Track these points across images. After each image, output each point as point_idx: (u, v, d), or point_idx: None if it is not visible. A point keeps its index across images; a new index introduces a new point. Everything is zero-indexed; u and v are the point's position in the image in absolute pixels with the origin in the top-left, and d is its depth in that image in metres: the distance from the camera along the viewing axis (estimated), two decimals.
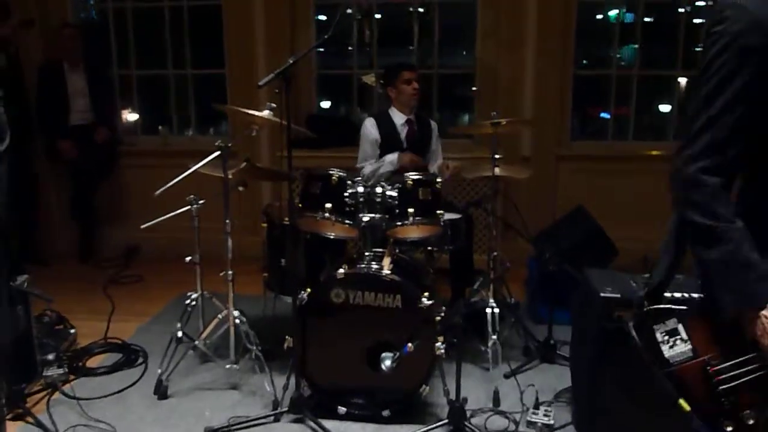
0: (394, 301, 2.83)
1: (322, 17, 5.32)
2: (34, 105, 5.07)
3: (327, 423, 2.83)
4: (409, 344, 2.58)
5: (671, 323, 1.58)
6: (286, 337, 2.93)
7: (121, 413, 2.99)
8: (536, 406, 2.85)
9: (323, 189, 3.03)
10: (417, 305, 2.81)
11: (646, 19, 5.12)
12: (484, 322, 3.38)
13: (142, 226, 3.23)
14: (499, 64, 4.96)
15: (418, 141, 4.01)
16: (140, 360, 3.50)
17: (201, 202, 3.26)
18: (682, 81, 5.21)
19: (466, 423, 2.74)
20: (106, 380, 3.29)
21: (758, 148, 1.50)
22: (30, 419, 2.88)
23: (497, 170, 3.49)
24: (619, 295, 2.46)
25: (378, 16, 5.22)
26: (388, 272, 2.88)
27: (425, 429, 2.78)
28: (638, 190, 4.85)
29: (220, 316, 3.24)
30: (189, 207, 3.26)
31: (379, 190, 3.07)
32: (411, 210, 3.00)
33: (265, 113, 3.04)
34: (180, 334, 3.23)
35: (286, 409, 2.91)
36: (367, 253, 3.05)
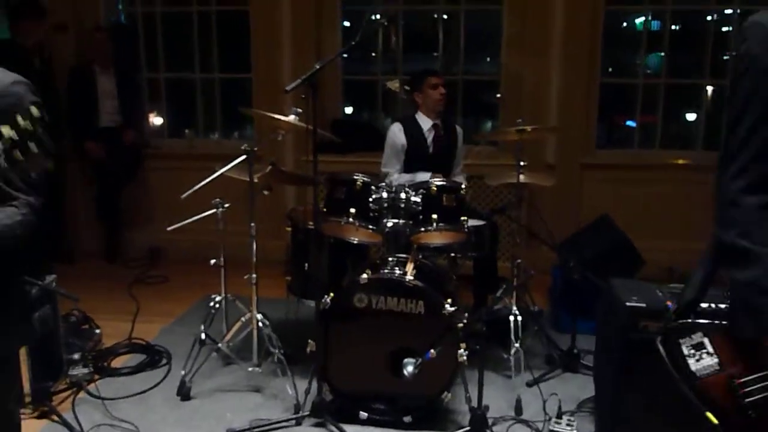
0: (417, 307, 2.82)
1: (347, 23, 5.35)
2: (65, 106, 5.15)
3: (348, 428, 2.83)
4: (432, 350, 2.58)
5: (697, 337, 1.58)
6: (309, 341, 2.94)
7: (144, 413, 3.01)
8: (559, 416, 2.83)
9: (348, 194, 3.04)
10: (440, 311, 2.80)
11: (673, 27, 5.08)
12: (507, 330, 3.35)
13: (168, 228, 3.28)
14: (525, 71, 4.94)
15: (444, 146, 4.01)
16: (164, 361, 3.53)
17: (226, 205, 3.29)
18: (710, 89, 5.16)
19: (487, 431, 2.73)
20: (130, 380, 3.33)
21: None
22: (55, 417, 2.93)
23: (522, 177, 3.47)
24: (644, 305, 2.44)
25: (402, 22, 5.24)
26: (411, 278, 2.87)
27: None
28: (663, 199, 4.81)
29: (243, 319, 3.26)
30: (214, 210, 3.29)
31: (403, 195, 3.07)
32: (435, 216, 3.00)
33: (291, 118, 3.06)
34: (203, 336, 3.26)
35: (307, 413, 2.92)
36: (390, 259, 3.06)
